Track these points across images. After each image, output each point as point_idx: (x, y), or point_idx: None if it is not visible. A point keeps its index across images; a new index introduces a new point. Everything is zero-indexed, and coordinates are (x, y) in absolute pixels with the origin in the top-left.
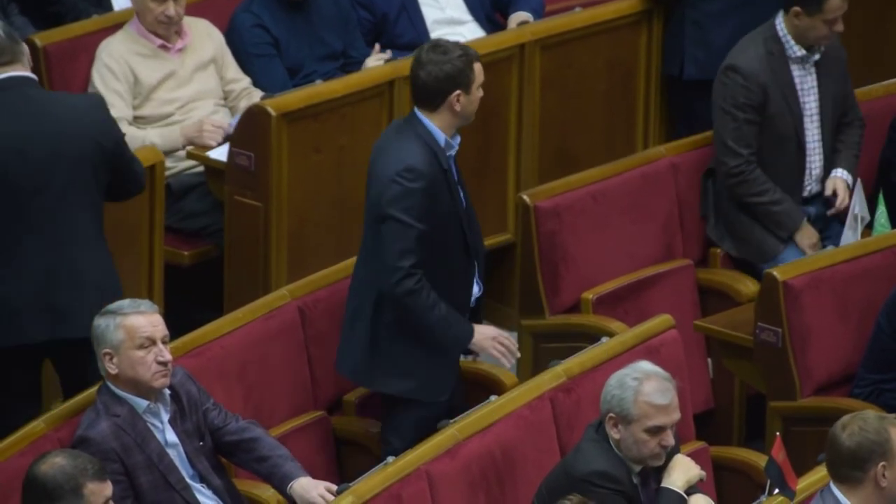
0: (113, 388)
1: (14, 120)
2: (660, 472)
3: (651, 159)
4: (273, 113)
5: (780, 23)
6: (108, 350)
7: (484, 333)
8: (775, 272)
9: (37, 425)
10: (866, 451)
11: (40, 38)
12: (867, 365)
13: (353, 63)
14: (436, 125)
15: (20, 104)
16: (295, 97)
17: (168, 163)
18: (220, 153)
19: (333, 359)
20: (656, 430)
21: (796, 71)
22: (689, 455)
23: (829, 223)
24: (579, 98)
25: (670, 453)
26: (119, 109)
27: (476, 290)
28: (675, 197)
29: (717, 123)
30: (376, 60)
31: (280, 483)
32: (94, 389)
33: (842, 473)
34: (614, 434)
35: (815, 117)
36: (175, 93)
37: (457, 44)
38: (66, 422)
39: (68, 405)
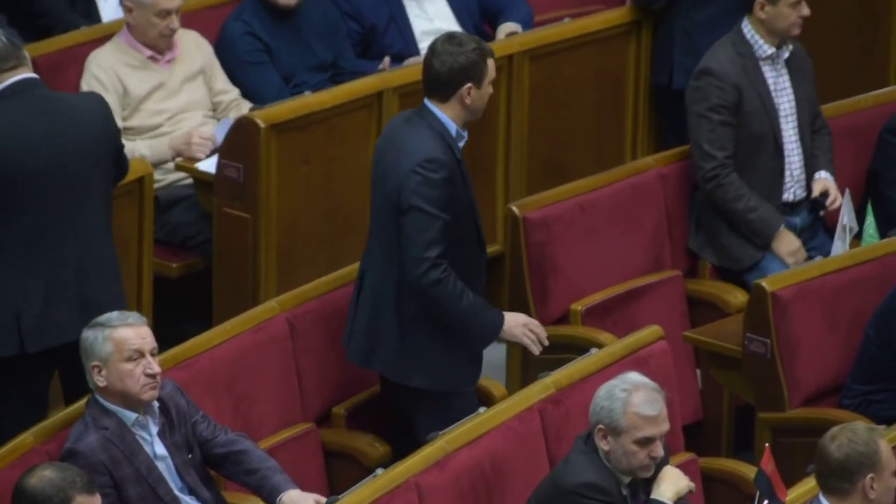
0: (101, 400)
1: (35, 121)
2: (649, 483)
3: (639, 170)
4: (262, 124)
5: (746, 25)
6: (96, 363)
7: (515, 320)
8: (764, 283)
9: (25, 438)
10: (855, 462)
11: (29, 50)
12: (856, 376)
13: (342, 74)
14: (447, 116)
15: (36, 105)
16: (284, 108)
17: (157, 175)
18: (208, 165)
19: (322, 370)
20: (645, 442)
21: (768, 71)
22: (678, 466)
23: (817, 233)
24: (568, 108)
25: (659, 465)
26: None
27: None
28: (664, 207)
29: (691, 129)
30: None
31: (269, 495)
32: (82, 402)
33: (830, 485)
34: (603, 445)
35: (791, 117)
36: (164, 104)
37: (472, 37)
38: (55, 435)
39: (57, 418)
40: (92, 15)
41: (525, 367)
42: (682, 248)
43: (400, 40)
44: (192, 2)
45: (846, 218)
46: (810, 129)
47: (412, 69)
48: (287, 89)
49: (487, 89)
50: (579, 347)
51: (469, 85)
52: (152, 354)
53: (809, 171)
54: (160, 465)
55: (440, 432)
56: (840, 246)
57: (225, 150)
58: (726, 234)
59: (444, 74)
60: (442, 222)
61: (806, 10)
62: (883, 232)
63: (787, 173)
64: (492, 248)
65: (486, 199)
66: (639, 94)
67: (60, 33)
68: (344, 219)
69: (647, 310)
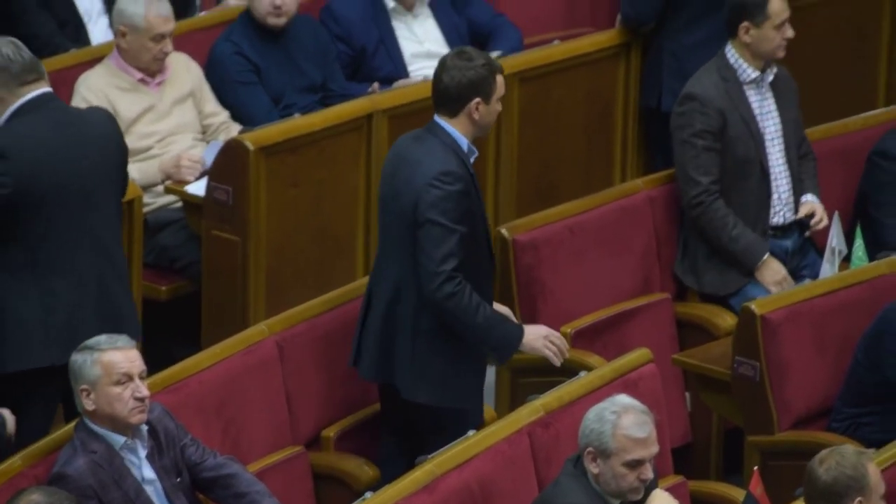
0: (90, 424)
1: (55, 136)
2: None
3: (628, 192)
4: (251, 147)
5: (730, 50)
6: (85, 386)
7: (535, 332)
8: (753, 306)
9: (13, 462)
10: (843, 486)
11: None
12: (845, 399)
13: (332, 96)
14: (457, 131)
15: (55, 120)
16: (273, 131)
17: (146, 198)
18: (197, 188)
19: (311, 393)
20: (635, 464)
21: (753, 95)
22: (667, 489)
23: (807, 255)
24: (558, 131)
25: (648, 487)
26: None
27: None
28: (653, 230)
29: (676, 155)
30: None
31: None
32: (71, 425)
33: None
34: (593, 468)
35: (777, 141)
36: (154, 126)
37: (482, 53)
38: (43, 458)
39: (45, 441)
40: (81, 38)
41: (514, 389)
42: (671, 270)
43: (389, 63)
44: (181, 24)
45: (835, 241)
46: (797, 151)
47: (402, 92)
48: (277, 110)
49: (496, 105)
50: (568, 370)
51: (477, 100)
52: (141, 378)
53: (797, 193)
54: (149, 489)
55: (429, 455)
56: (829, 269)
57: (214, 173)
58: (711, 259)
59: (452, 89)
60: (458, 235)
61: (790, 32)
62: (872, 255)
63: (775, 196)
64: None
65: None
66: (628, 117)
67: (49, 56)
68: (333, 241)
69: (636, 332)
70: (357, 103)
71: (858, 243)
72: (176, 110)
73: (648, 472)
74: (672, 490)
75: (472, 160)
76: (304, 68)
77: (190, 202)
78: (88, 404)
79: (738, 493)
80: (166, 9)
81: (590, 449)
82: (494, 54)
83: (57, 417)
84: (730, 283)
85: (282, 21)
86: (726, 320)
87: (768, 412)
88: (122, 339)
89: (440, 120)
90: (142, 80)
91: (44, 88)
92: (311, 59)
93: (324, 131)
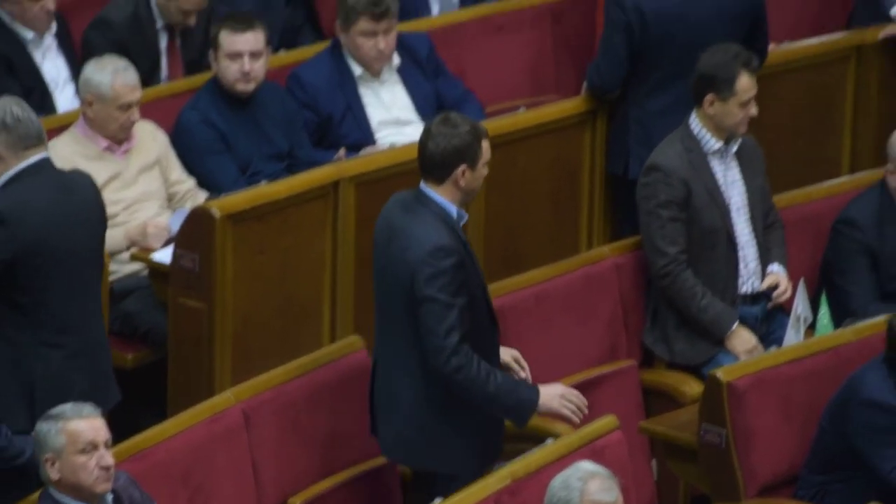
0: (55, 493)
1: (56, 200)
2: None
3: (594, 259)
4: (217, 214)
5: (694, 119)
6: (49, 455)
7: (551, 393)
8: (719, 373)
9: None
10: None
11: None
12: (811, 466)
13: (298, 163)
14: (444, 199)
15: (54, 184)
16: (239, 198)
17: (112, 266)
18: (163, 255)
19: (278, 461)
20: None
21: (717, 165)
22: None
23: (777, 320)
24: (524, 198)
25: None
26: None
27: None
28: (619, 297)
29: (642, 226)
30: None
31: None
32: (35, 495)
33: None
34: None
35: (743, 210)
36: (120, 194)
37: (467, 119)
38: None
39: None
40: (47, 105)
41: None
42: (638, 337)
43: (356, 130)
44: (148, 91)
45: (800, 308)
46: (763, 220)
47: (368, 159)
48: (243, 179)
49: (482, 170)
50: (535, 438)
51: (463, 167)
52: (106, 446)
53: (764, 263)
54: None
55: None
56: (794, 336)
57: (181, 240)
58: (682, 329)
59: (437, 156)
60: (457, 308)
61: (754, 111)
62: (837, 322)
63: (742, 265)
64: None
65: None
66: (594, 184)
67: None
68: (299, 309)
69: (602, 400)
70: (323, 170)
71: (824, 311)
72: (142, 178)
73: None
74: None
75: (462, 224)
76: (270, 136)
77: (156, 270)
78: (53, 473)
79: None
80: (133, 78)
81: None
82: None
83: None
84: (701, 352)
85: (250, 87)
86: (693, 387)
87: (735, 480)
88: (88, 408)
89: (426, 188)
90: (108, 149)
91: (43, 154)
92: (278, 126)
93: (290, 199)
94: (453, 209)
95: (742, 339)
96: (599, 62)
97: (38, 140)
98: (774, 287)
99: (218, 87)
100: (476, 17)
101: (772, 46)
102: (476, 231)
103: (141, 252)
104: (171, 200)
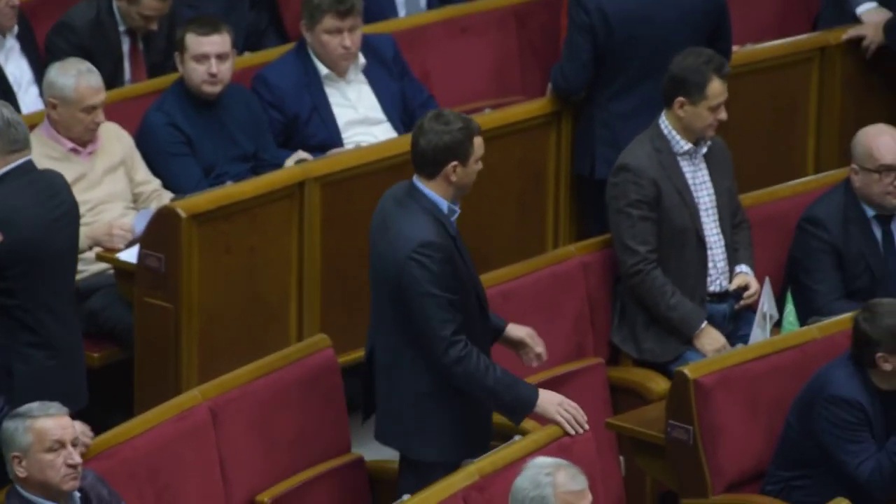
0: (22, 491)
1: (40, 202)
2: None
3: (561, 258)
4: (183, 214)
5: (664, 121)
6: (16, 453)
7: (550, 398)
8: (686, 370)
9: None
10: None
11: None
12: (777, 462)
13: (264, 165)
14: (436, 193)
15: (40, 187)
16: (205, 198)
17: (78, 266)
18: (129, 255)
19: (245, 459)
20: None
21: (686, 166)
22: None
23: (743, 319)
24: (490, 198)
25: None
26: None
27: None
28: (586, 295)
29: (612, 225)
30: (294, 161)
31: None
32: (1, 494)
33: None
34: None
35: (711, 211)
36: (86, 195)
37: (460, 115)
38: None
39: None
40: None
41: None
42: (605, 335)
43: (323, 130)
44: (112, 94)
45: (766, 306)
46: (731, 220)
47: (335, 159)
48: (207, 181)
49: (474, 167)
50: (503, 435)
51: (454, 163)
52: (74, 444)
53: (732, 263)
54: None
55: None
56: (760, 334)
57: (147, 240)
58: (650, 328)
59: (429, 152)
60: (447, 300)
61: (724, 115)
62: (803, 320)
63: (711, 265)
64: None
65: None
66: (560, 184)
67: None
68: (266, 308)
69: (570, 397)
70: (289, 171)
71: (789, 308)
72: (107, 179)
73: None
74: None
75: (453, 219)
76: (236, 137)
77: (122, 269)
78: (20, 471)
79: None
80: (97, 80)
81: None
82: None
83: None
84: (669, 350)
85: (217, 89)
86: (660, 384)
87: (702, 476)
88: (55, 406)
89: (418, 183)
90: (73, 150)
91: (27, 156)
92: (244, 128)
93: (256, 199)
94: (444, 204)
95: (711, 339)
96: (564, 64)
97: (25, 143)
98: (744, 288)
99: (184, 89)
100: (441, 19)
101: (736, 48)
102: None
103: (106, 252)
104: (136, 201)
